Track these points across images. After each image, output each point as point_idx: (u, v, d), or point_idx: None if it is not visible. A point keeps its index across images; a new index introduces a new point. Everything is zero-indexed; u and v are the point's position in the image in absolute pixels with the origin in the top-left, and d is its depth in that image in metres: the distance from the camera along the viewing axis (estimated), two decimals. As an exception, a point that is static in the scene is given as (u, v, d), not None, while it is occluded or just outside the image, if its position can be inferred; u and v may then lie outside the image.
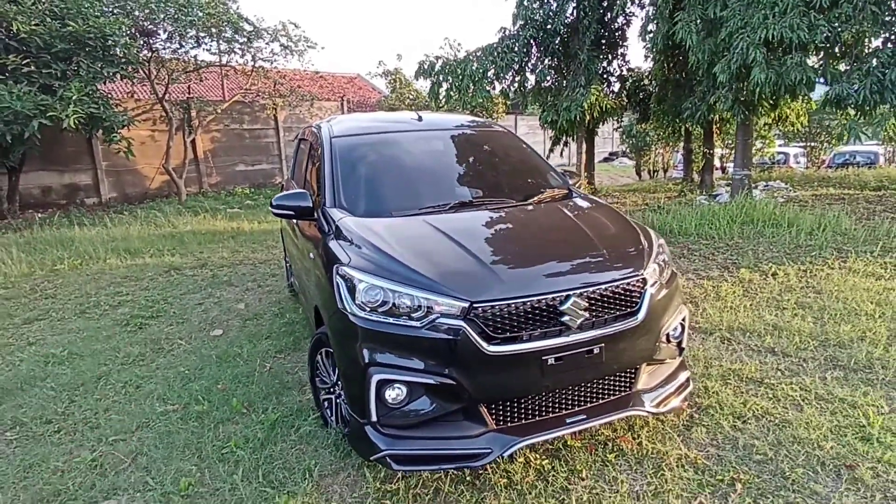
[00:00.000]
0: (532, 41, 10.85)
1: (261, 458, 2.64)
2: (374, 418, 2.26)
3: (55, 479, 2.60)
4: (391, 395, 2.24)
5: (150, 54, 11.53)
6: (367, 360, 2.24)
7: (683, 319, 2.76)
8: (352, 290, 2.34)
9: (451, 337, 2.19)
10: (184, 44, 12.00)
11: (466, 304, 2.20)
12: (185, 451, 2.75)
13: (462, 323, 2.19)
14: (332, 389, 2.79)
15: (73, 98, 8.49)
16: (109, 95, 10.48)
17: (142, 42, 11.14)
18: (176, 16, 10.87)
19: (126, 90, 12.58)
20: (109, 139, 9.75)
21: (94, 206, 12.56)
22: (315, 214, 3.07)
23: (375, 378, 2.21)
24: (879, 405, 2.86)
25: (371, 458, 2.29)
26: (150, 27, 11.16)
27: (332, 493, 2.40)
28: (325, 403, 2.87)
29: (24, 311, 5.19)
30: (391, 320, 2.26)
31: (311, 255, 3.03)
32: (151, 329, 4.65)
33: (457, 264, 2.41)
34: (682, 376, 2.77)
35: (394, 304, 2.27)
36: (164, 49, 12.05)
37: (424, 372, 2.22)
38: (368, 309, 2.29)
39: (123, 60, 9.76)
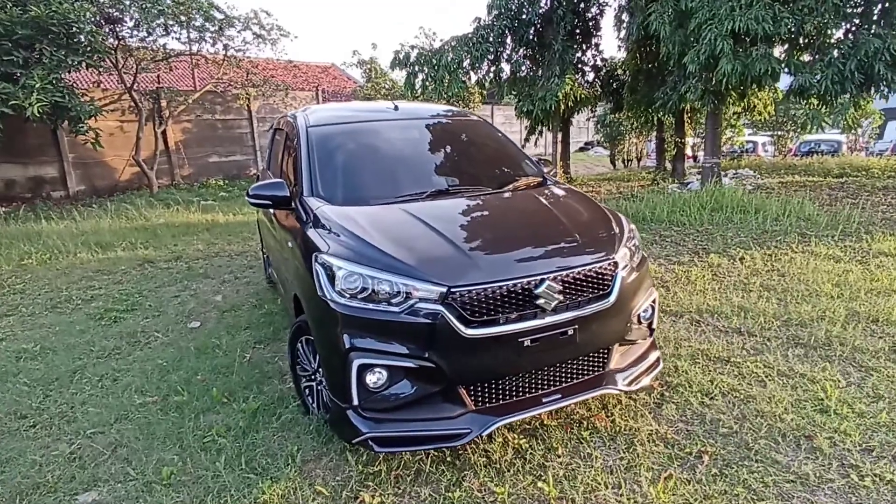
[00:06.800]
0: (507, 31, 10.88)
1: (243, 446, 2.66)
2: (355, 402, 2.30)
3: (33, 472, 2.57)
4: (372, 379, 2.28)
5: (116, 42, 11.19)
6: (347, 346, 2.27)
7: (653, 301, 2.86)
8: (331, 277, 2.37)
9: (429, 321, 2.24)
10: (151, 32, 11.68)
11: (444, 289, 2.24)
12: (165, 441, 2.75)
13: (440, 307, 2.24)
14: (313, 377, 2.81)
15: (37, 86, 8.23)
16: (75, 85, 10.15)
17: (107, 30, 10.79)
18: (143, 4, 10.56)
19: (92, 80, 12.19)
20: (76, 130, 9.46)
21: (61, 199, 12.19)
22: (293, 204, 3.07)
23: (356, 363, 2.25)
24: (837, 379, 3.02)
25: (353, 442, 2.35)
26: (115, 14, 10.83)
27: (315, 477, 2.44)
28: (307, 391, 2.90)
29: (-9, 308, 5.06)
30: (371, 306, 2.29)
31: (290, 244, 3.03)
32: (127, 322, 4.58)
33: (434, 250, 2.45)
34: (653, 356, 2.87)
35: (373, 291, 2.30)
36: (130, 37, 11.72)
37: (404, 356, 2.26)
38: (348, 295, 2.32)
39: (89, 49, 9.45)
